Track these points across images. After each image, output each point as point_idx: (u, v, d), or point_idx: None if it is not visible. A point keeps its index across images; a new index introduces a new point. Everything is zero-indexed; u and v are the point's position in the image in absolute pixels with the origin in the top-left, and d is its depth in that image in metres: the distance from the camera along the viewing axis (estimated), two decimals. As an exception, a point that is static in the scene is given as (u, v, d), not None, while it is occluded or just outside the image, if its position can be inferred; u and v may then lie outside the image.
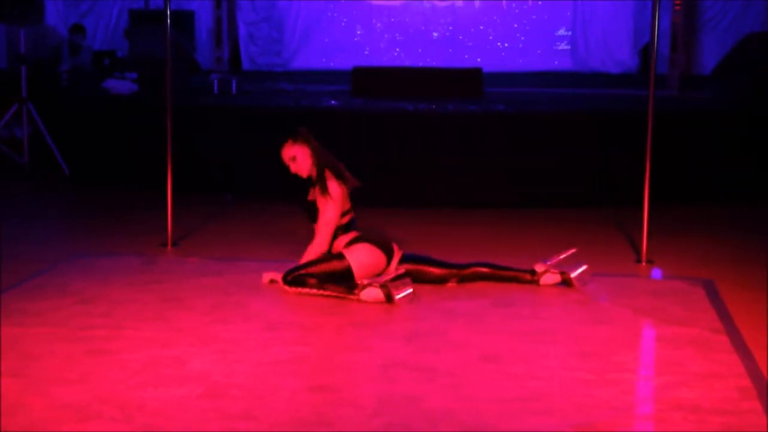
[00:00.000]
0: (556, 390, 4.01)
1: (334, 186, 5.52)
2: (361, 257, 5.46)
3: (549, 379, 4.13)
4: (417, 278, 5.52)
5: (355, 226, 5.64)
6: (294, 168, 5.61)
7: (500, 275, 5.68)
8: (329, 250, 5.54)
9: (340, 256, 5.45)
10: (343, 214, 5.57)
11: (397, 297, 5.20)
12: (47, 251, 6.46)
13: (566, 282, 5.60)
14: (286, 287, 5.40)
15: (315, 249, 5.57)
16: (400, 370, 4.23)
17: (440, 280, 5.59)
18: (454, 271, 5.64)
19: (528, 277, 5.64)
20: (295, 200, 5.70)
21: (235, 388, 4.00)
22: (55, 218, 8.17)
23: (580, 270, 5.61)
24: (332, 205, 5.50)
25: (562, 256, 5.65)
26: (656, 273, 6.12)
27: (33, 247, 6.66)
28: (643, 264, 6.24)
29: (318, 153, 5.58)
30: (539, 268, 5.63)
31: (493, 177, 8.13)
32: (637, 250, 6.36)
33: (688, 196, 8.18)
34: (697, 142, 8.30)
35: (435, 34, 13.11)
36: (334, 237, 5.56)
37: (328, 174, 5.54)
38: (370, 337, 4.71)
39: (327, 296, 5.32)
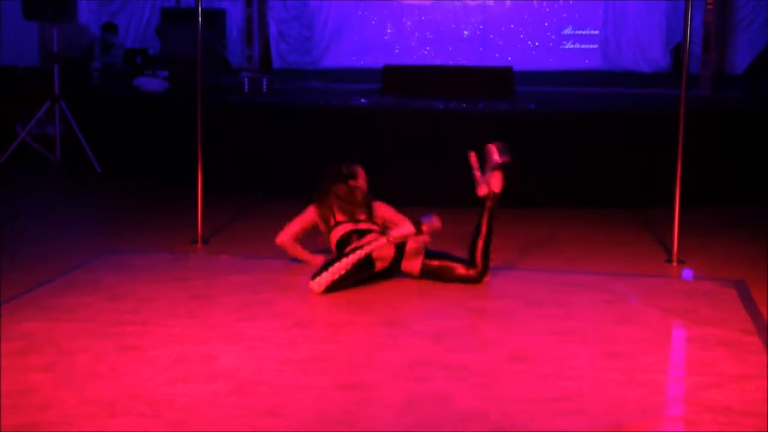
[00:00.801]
0: (586, 390, 3.99)
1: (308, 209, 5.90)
2: (373, 241, 5.48)
3: (579, 380, 4.11)
4: (442, 276, 5.56)
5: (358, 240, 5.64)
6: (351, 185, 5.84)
7: (483, 230, 5.65)
8: (343, 250, 5.56)
9: (355, 249, 5.46)
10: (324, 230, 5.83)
11: (424, 220, 5.41)
12: (79, 248, 6.51)
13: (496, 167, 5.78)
14: (316, 281, 5.35)
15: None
16: (429, 368, 4.23)
17: (465, 280, 5.56)
18: (474, 267, 5.59)
19: (489, 204, 5.74)
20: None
21: (263, 385, 4.02)
22: (86, 215, 8.21)
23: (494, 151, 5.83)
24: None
25: (481, 172, 5.86)
26: (687, 273, 6.07)
27: (65, 243, 6.71)
28: (674, 264, 6.20)
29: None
30: (482, 191, 5.78)
31: (523, 176, 8.08)
32: (668, 251, 6.32)
33: (719, 196, 8.11)
34: (729, 142, 8.23)
35: (465, 33, 13.06)
36: (344, 251, 5.53)
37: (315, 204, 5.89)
38: (399, 336, 4.71)
39: (359, 258, 5.37)
